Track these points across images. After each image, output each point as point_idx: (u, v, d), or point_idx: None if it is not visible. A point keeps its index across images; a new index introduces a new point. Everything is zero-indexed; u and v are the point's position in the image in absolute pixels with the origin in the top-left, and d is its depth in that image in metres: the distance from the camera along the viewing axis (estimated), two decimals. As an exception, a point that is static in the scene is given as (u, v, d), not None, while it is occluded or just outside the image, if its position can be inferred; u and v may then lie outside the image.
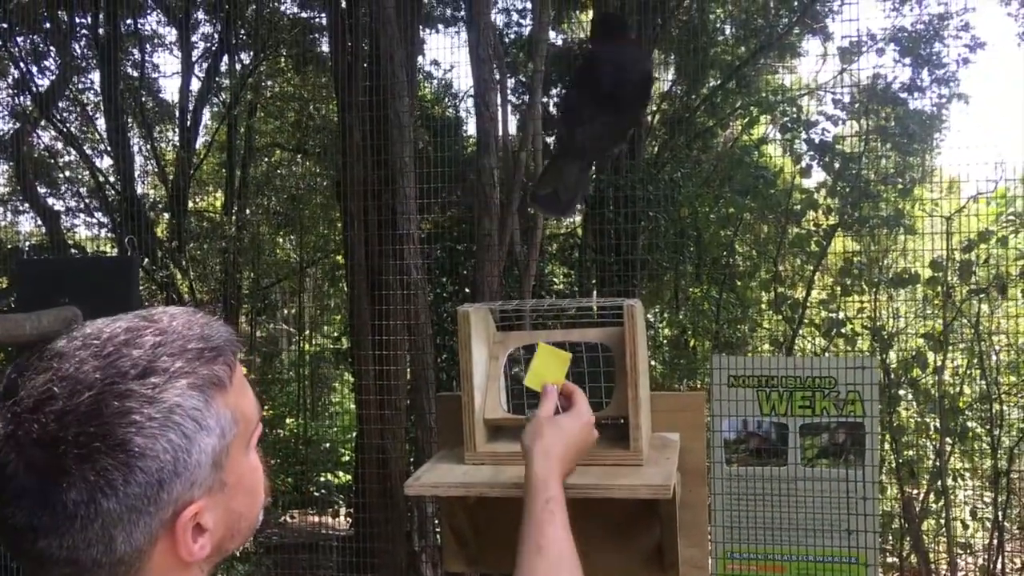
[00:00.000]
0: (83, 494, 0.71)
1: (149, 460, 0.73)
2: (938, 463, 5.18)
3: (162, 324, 0.79)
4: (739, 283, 7.35)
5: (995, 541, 5.15)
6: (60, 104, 8.69)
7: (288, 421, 10.44)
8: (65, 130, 9.08)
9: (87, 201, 9.80)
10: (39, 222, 8.61)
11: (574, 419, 1.29)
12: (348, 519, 8.00)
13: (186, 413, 0.75)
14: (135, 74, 9.18)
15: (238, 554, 6.40)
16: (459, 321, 1.57)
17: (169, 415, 0.74)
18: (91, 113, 9.45)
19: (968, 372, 5.61)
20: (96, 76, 8.87)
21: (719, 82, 8.77)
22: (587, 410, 1.32)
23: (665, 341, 8.15)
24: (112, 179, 8.87)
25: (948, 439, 5.32)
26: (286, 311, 12.09)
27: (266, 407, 9.96)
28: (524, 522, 1.16)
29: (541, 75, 5.54)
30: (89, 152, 9.29)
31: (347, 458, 9.47)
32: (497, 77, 5.45)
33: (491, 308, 1.68)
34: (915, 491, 5.39)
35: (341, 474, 9.60)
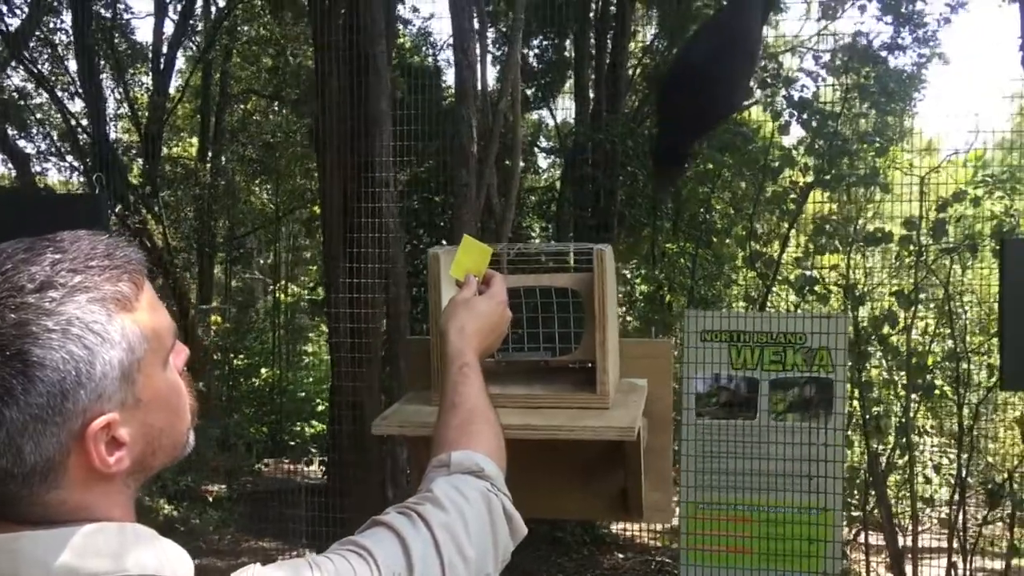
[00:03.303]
0: None
1: (49, 371, 0.74)
2: (904, 419, 5.26)
3: (64, 244, 0.79)
4: (715, 240, 7.37)
5: (957, 496, 5.26)
6: (31, 44, 8.49)
7: (263, 371, 10.42)
8: (36, 71, 8.88)
9: (58, 144, 9.63)
10: (10, 165, 8.47)
11: (487, 299, 1.35)
12: (322, 468, 8.04)
13: (86, 326, 0.76)
14: (107, 15, 8.97)
15: (210, 499, 6.43)
16: (429, 262, 1.57)
17: (68, 327, 0.75)
18: (62, 54, 9.25)
19: (937, 331, 5.68)
20: (68, 16, 8.66)
21: (701, 37, 8.67)
22: (501, 292, 1.38)
23: (641, 297, 8.18)
24: (84, 122, 8.71)
25: (915, 396, 5.40)
26: (262, 260, 12.01)
27: (240, 356, 9.93)
28: (442, 388, 1.24)
29: (521, 24, 5.47)
30: (60, 94, 9.10)
31: (321, 408, 9.49)
32: (477, 25, 5.38)
33: (461, 251, 1.67)
34: (881, 446, 5.48)
35: (315, 423, 9.62)
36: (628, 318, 8.11)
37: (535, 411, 1.51)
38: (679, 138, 1.94)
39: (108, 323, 0.77)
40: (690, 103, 1.88)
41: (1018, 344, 2.12)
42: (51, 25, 8.97)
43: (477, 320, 1.30)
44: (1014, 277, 2.10)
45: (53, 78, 9.15)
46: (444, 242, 1.52)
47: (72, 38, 8.54)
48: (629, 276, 8.34)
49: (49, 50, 9.22)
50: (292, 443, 9.38)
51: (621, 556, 6.83)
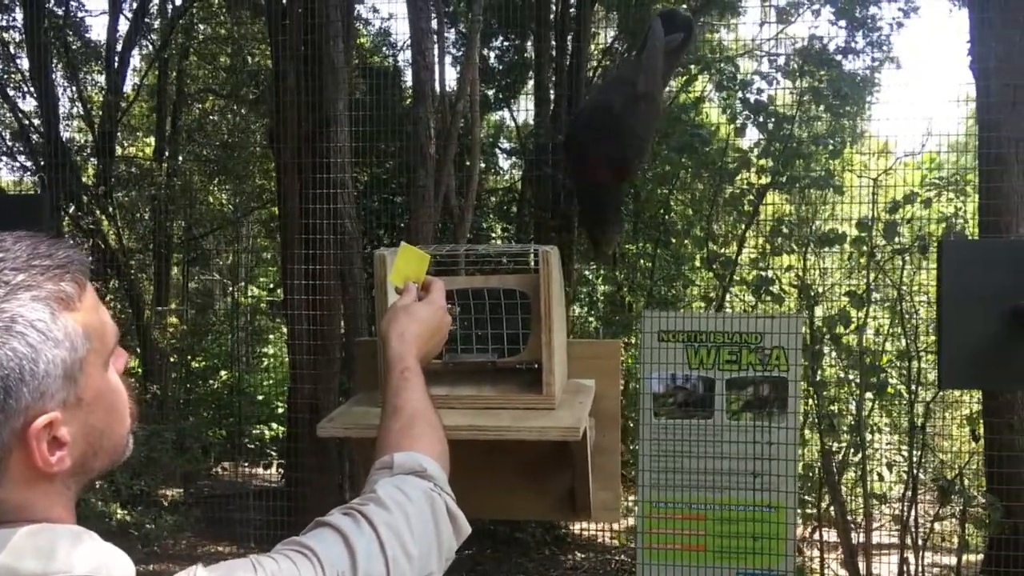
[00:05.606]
0: None
1: None
2: (858, 418, 5.34)
3: (6, 244, 0.80)
4: (674, 240, 7.42)
5: (909, 492, 5.34)
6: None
7: (222, 373, 10.30)
8: (-15, 69, 8.70)
9: (9, 144, 9.44)
10: (-42, 164, 8.29)
11: (426, 305, 1.36)
12: (280, 471, 7.96)
13: (29, 323, 0.76)
14: (60, 12, 8.81)
15: (165, 504, 6.34)
16: (375, 264, 1.56)
17: (11, 324, 0.75)
18: (14, 52, 9.07)
19: (890, 330, 5.77)
20: (19, 13, 8.49)
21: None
22: (440, 297, 1.39)
23: (602, 298, 8.21)
24: (36, 122, 8.55)
25: (868, 394, 5.47)
26: (220, 261, 11.87)
27: (199, 358, 9.81)
28: (384, 393, 1.25)
29: (479, 24, 5.47)
30: (12, 93, 8.92)
31: (281, 410, 9.40)
32: (435, 26, 5.37)
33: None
34: (835, 445, 5.55)
35: (275, 425, 9.53)
36: (589, 318, 8.14)
37: (482, 412, 1.51)
38: (595, 190, 1.98)
39: (52, 321, 0.77)
40: (594, 146, 1.91)
41: (954, 343, 2.17)
42: (2, 22, 8.80)
43: (417, 325, 1.31)
44: (951, 277, 2.15)
45: (4, 76, 8.98)
46: (404, 242, 1.52)
47: (24, 35, 8.38)
48: (590, 277, 8.38)
49: (0, 48, 9.04)
50: (251, 446, 9.28)
51: (581, 556, 6.86)
